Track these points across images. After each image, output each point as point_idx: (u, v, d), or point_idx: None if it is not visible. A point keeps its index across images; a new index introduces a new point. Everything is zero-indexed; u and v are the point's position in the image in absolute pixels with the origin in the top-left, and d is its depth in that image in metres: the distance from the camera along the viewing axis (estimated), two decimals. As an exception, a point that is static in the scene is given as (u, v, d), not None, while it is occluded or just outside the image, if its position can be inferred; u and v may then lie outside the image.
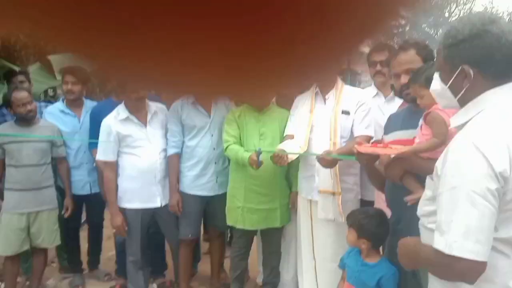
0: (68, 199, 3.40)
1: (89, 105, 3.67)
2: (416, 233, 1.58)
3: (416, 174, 1.89)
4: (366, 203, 2.75)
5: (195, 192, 3.12)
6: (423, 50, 2.13)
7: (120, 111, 3.05)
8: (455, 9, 20.15)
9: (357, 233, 2.07)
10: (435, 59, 1.53)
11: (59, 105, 3.58)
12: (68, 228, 3.52)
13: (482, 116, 1.24)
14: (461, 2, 20.03)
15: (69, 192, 3.41)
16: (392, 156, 1.86)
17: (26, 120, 3.19)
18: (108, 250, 4.07)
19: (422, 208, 1.43)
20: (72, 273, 3.74)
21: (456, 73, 1.28)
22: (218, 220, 3.16)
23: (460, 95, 1.31)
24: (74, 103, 3.56)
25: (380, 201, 2.36)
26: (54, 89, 4.12)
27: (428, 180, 1.41)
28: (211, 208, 3.21)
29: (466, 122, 1.28)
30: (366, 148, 1.94)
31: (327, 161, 2.48)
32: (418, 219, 1.77)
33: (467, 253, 1.14)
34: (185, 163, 3.15)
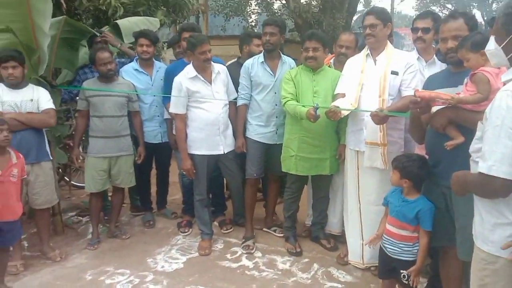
0: (141, 147, 3.91)
1: (158, 65, 4.12)
2: (452, 175, 1.91)
3: (456, 124, 2.21)
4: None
5: (258, 139, 3.59)
6: (470, 20, 2.39)
7: (189, 71, 3.48)
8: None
9: (400, 174, 2.42)
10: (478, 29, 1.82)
11: (133, 64, 4.04)
12: (141, 172, 4.04)
13: None
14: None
15: (142, 141, 3.92)
16: (447, 99, 2.15)
17: (107, 77, 3.68)
18: (171, 195, 4.64)
19: (473, 146, 1.78)
20: (142, 212, 4.33)
21: (510, 37, 1.59)
22: (276, 166, 3.57)
23: (511, 55, 1.61)
24: (146, 63, 4.02)
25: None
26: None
27: (479, 124, 1.74)
28: (270, 155, 3.64)
29: None
30: (425, 92, 2.24)
31: (380, 118, 2.80)
32: (454, 163, 2.13)
33: (501, 174, 1.48)
34: (251, 114, 3.63)
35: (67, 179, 5.05)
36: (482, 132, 1.68)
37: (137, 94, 3.88)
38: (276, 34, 3.48)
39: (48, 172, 3.36)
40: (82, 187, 4.83)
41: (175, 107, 3.50)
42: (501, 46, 1.62)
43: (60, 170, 4.71)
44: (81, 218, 4.35)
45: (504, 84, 1.64)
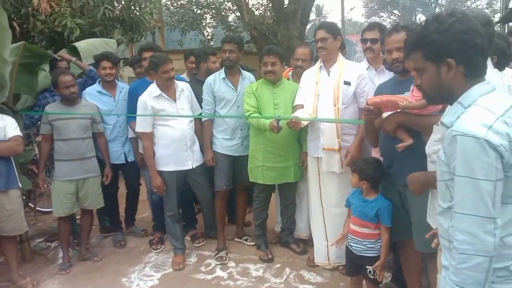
0: (107, 168, 3.92)
1: (121, 85, 4.16)
2: (405, 174, 2.10)
3: (405, 128, 2.43)
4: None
5: (225, 152, 3.71)
6: (411, 32, 2.62)
7: (153, 89, 3.56)
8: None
9: (359, 176, 2.62)
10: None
11: (96, 86, 4.06)
12: (108, 193, 4.03)
13: None
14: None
15: (108, 162, 3.94)
16: (400, 102, 2.34)
17: (70, 100, 3.68)
18: (139, 213, 4.65)
19: (432, 148, 1.94)
20: (112, 232, 4.32)
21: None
22: (244, 177, 3.70)
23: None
24: (109, 85, 4.05)
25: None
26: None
27: (435, 127, 1.90)
28: (238, 167, 3.77)
29: None
30: (375, 98, 2.45)
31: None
32: (405, 163, 2.34)
33: None
34: (216, 128, 3.75)
35: (32, 205, 4.94)
36: (441, 133, 1.85)
37: (100, 115, 3.90)
38: (235, 51, 3.64)
39: (16, 200, 3.32)
40: (48, 212, 4.76)
41: (141, 126, 3.57)
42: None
43: (24, 196, 4.61)
44: (49, 243, 4.27)
45: None
